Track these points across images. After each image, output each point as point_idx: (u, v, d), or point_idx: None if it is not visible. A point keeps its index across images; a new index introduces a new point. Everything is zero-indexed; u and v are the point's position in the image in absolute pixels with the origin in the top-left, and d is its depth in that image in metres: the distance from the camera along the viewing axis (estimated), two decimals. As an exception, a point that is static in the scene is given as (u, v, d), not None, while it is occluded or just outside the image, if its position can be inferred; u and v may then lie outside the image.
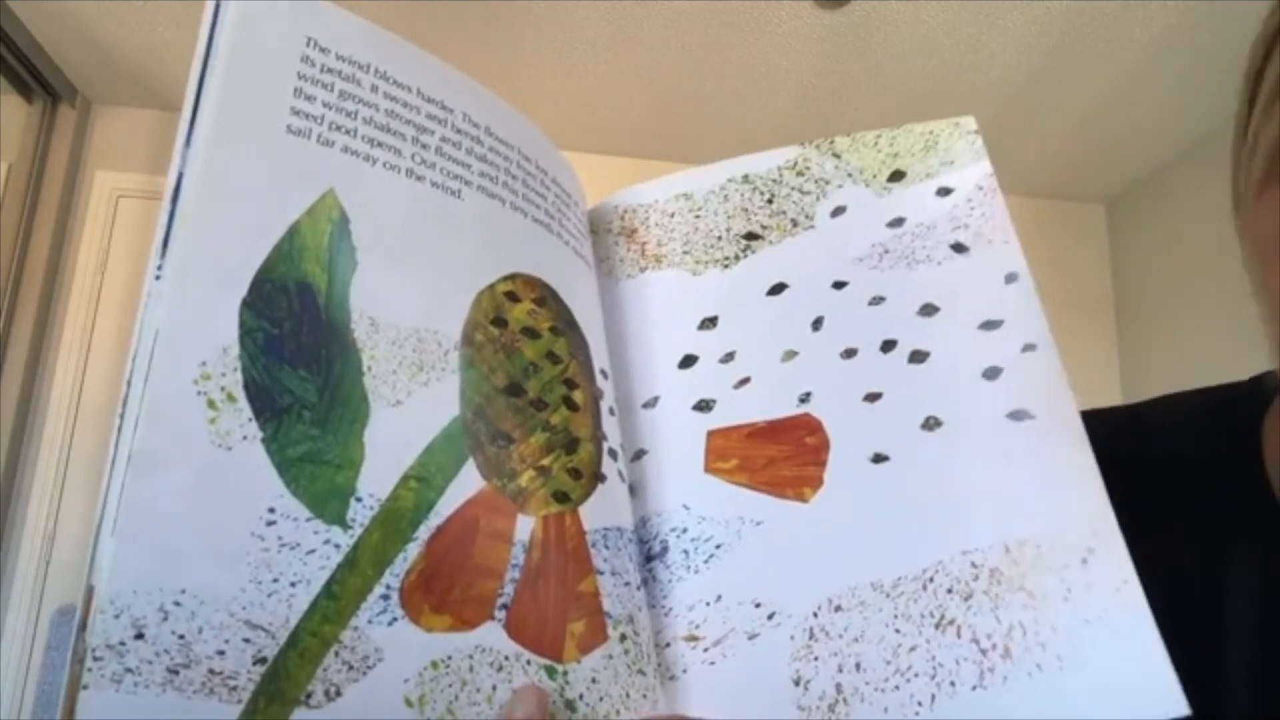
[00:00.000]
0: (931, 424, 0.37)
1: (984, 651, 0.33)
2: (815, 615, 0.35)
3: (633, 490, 0.37)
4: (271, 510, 0.27)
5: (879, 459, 0.37)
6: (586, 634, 0.32)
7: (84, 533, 2.47)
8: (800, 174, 0.42)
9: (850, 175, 0.42)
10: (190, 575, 0.25)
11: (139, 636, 0.24)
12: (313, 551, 0.27)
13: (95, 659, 0.24)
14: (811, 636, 0.34)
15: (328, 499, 0.28)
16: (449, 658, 0.29)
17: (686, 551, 0.36)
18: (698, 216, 0.42)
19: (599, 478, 0.35)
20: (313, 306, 0.29)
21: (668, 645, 0.35)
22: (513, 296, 0.34)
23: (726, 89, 2.32)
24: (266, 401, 0.27)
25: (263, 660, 0.26)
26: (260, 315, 0.28)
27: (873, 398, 0.38)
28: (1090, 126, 2.25)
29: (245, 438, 0.27)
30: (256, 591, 0.26)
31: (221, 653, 0.25)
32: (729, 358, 0.39)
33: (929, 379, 0.38)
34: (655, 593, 0.36)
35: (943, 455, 0.36)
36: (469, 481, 0.31)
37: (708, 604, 0.35)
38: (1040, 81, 2.20)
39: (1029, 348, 0.37)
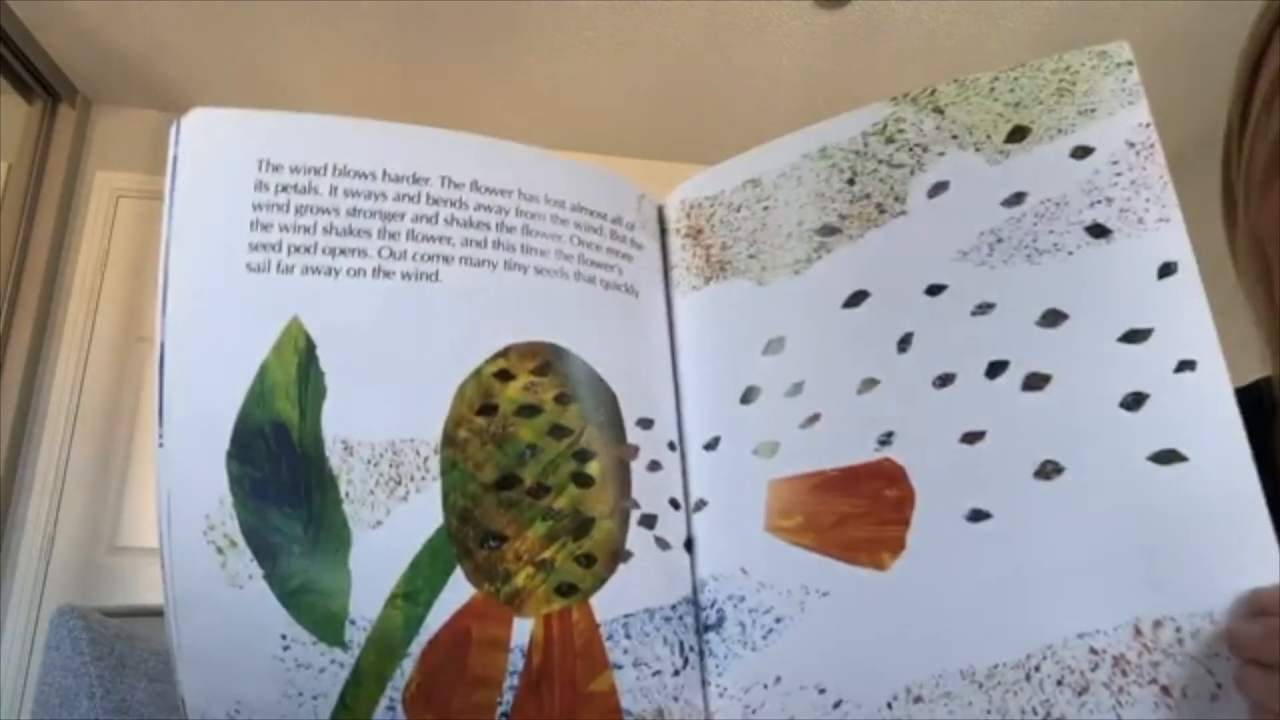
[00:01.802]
0: (1049, 470, 0.29)
1: None
2: (890, 707, 0.30)
3: (690, 547, 0.34)
4: (284, 636, 0.30)
5: (977, 516, 0.30)
6: None
7: (84, 533, 2.49)
8: (890, 140, 0.34)
9: (955, 137, 0.33)
10: (240, 689, 0.29)
11: None
12: (323, 670, 0.30)
13: None
14: None
15: (326, 624, 0.30)
16: None
17: (743, 624, 0.32)
18: (766, 209, 0.35)
19: (621, 557, 0.32)
20: (287, 443, 0.30)
21: None
22: (504, 375, 0.32)
23: (726, 89, 2.24)
24: (262, 542, 0.30)
25: None
26: (244, 462, 0.30)
27: (972, 437, 0.30)
28: None
29: (251, 576, 0.30)
30: (289, 704, 0.29)
31: None
32: (796, 389, 0.33)
33: (1048, 411, 0.30)
34: (709, 669, 0.33)
35: (1060, 511, 0.29)
36: (457, 592, 0.31)
37: (765, 687, 0.31)
38: None
39: (1185, 366, 0.29)
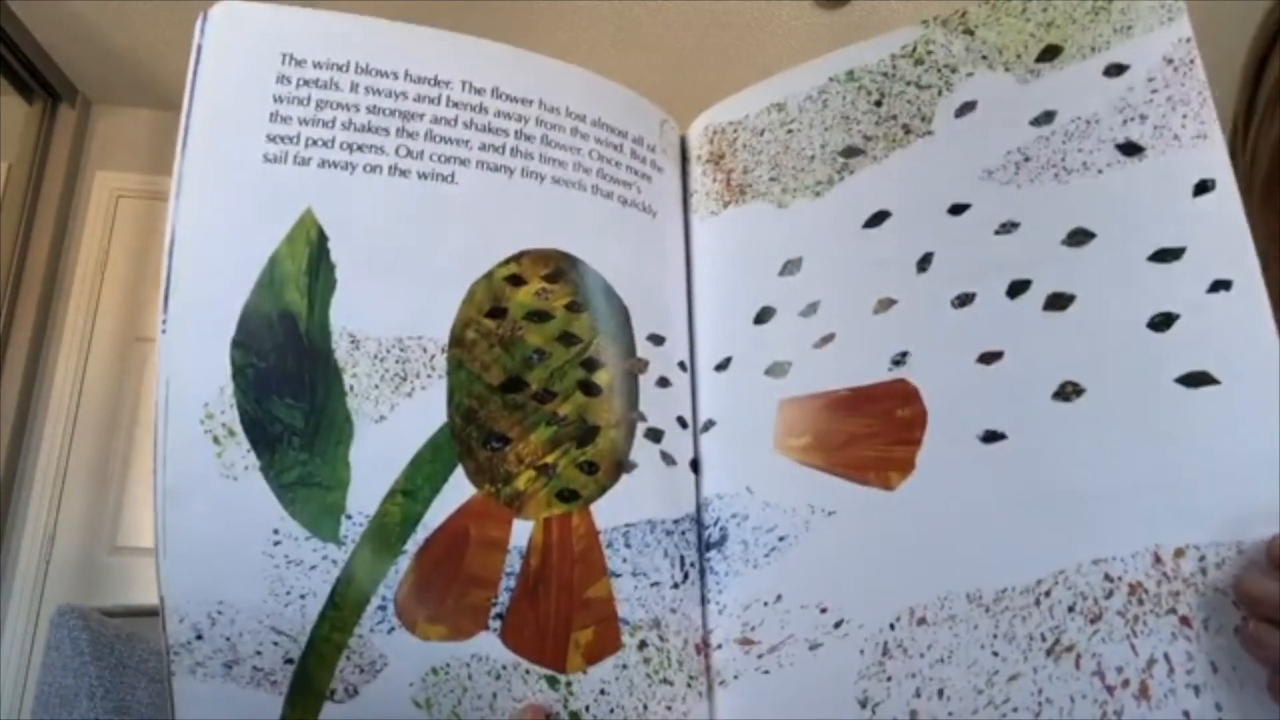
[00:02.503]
0: (1068, 391, 0.29)
1: (1110, 689, 0.26)
2: (892, 628, 0.29)
3: (697, 467, 0.33)
4: (276, 531, 0.29)
5: (991, 437, 0.29)
6: (595, 642, 0.30)
7: (84, 533, 2.48)
8: (919, 62, 0.33)
9: (985, 58, 0.32)
10: (224, 589, 0.29)
11: (199, 638, 0.29)
12: (314, 567, 0.29)
13: (174, 654, 0.28)
14: (885, 652, 0.29)
15: (321, 519, 0.29)
16: (447, 665, 0.29)
17: (746, 542, 0.32)
18: (790, 132, 0.35)
19: (625, 467, 0.32)
20: (294, 334, 0.30)
21: (719, 646, 0.31)
22: (516, 280, 0.32)
23: (726, 89, 2.23)
24: (260, 433, 0.29)
25: (291, 661, 0.29)
26: (249, 351, 0.30)
27: (990, 358, 0.30)
28: None
29: (247, 468, 0.29)
30: (275, 603, 0.29)
31: (259, 653, 0.29)
32: (811, 309, 0.33)
33: (1070, 331, 0.29)
34: (710, 586, 0.32)
35: (1079, 433, 0.28)
36: (457, 491, 0.30)
37: (766, 604, 0.31)
38: None
39: (1220, 285, 0.28)
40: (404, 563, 0.29)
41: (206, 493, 0.29)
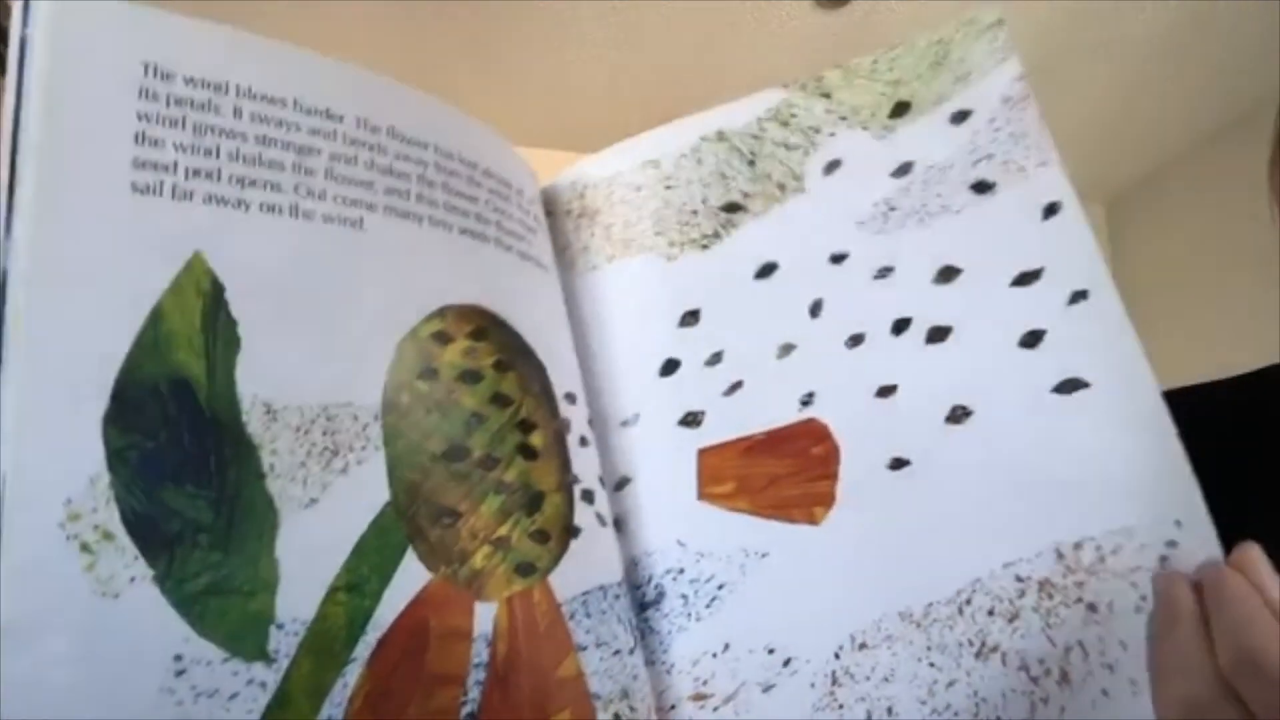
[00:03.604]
0: (959, 415, 0.31)
1: (1035, 680, 0.29)
2: (837, 657, 0.30)
3: (618, 526, 0.32)
4: (179, 658, 0.23)
5: (898, 464, 0.31)
6: None
7: None
8: (784, 124, 0.35)
9: (844, 119, 0.35)
10: None
11: None
12: (235, 696, 0.23)
13: None
14: (835, 682, 0.30)
15: (243, 633, 0.24)
16: None
17: (685, 596, 0.31)
18: (669, 188, 0.36)
19: (571, 532, 0.30)
20: (192, 405, 0.24)
21: (672, 708, 0.31)
22: (442, 337, 0.29)
23: (726, 89, 2.23)
24: (152, 532, 0.23)
25: None
26: (130, 429, 0.23)
27: (886, 391, 0.32)
28: (1090, 126, 2.18)
29: (133, 579, 0.22)
30: None
31: None
32: (716, 359, 0.34)
33: (951, 360, 0.31)
34: (654, 646, 0.31)
35: (974, 451, 0.30)
36: (412, 578, 0.26)
37: (714, 656, 0.31)
38: (1040, 81, 2.21)
39: (1078, 297, 0.31)
40: (353, 672, 0.24)
41: (70, 622, 0.21)
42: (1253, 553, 0.26)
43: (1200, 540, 0.29)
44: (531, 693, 0.27)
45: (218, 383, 0.25)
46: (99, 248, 0.24)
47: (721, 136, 0.36)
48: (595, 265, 0.36)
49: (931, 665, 0.30)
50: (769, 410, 0.33)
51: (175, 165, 0.25)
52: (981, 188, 0.33)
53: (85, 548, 0.22)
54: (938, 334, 0.32)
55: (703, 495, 0.32)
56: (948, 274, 0.33)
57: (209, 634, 0.23)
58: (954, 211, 0.33)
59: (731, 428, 0.33)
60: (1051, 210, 0.32)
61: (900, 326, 0.33)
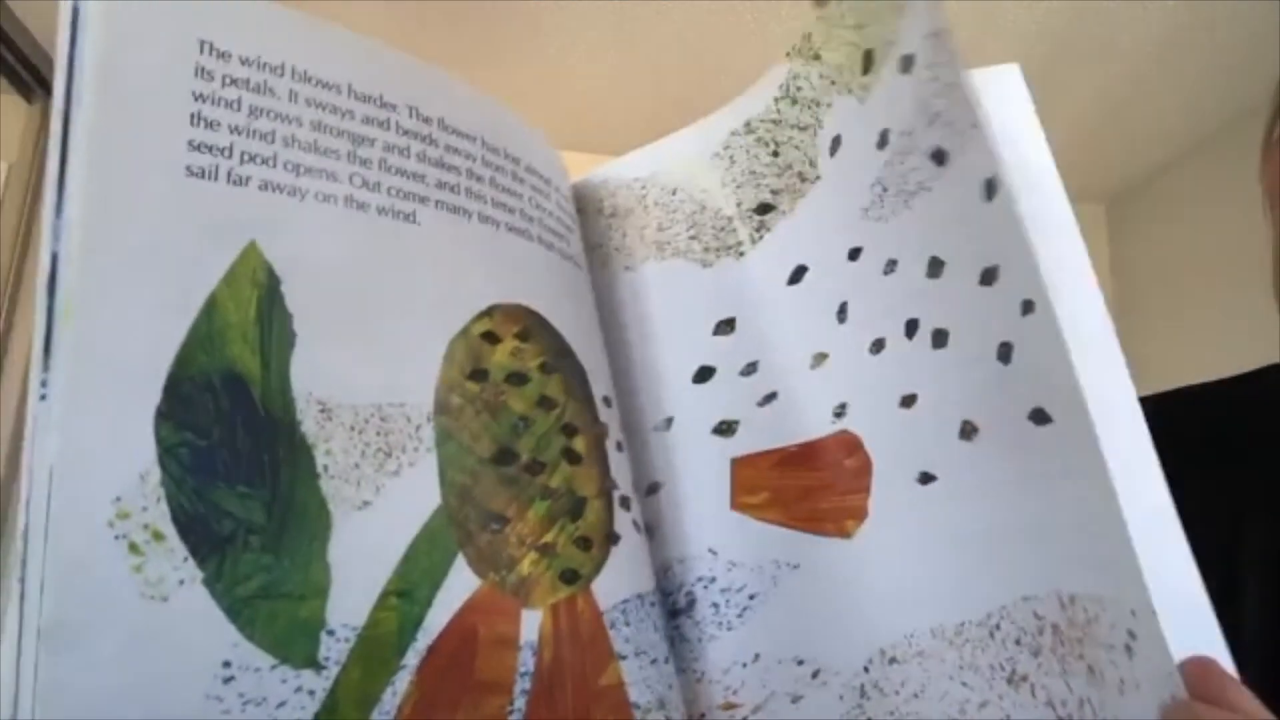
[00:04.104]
0: (968, 431, 0.28)
1: (1062, 718, 0.27)
2: (866, 670, 0.30)
3: (649, 531, 0.32)
4: (227, 664, 0.22)
5: (926, 479, 0.30)
6: None
7: None
8: (795, 101, 0.33)
9: (834, 83, 0.31)
10: None
11: None
12: (283, 704, 0.22)
13: None
14: (863, 695, 0.30)
15: (293, 639, 0.23)
16: None
17: (717, 605, 0.31)
18: (704, 191, 0.34)
19: (612, 539, 0.29)
20: (246, 402, 0.23)
21: (702, 716, 0.30)
22: (491, 337, 0.28)
23: (726, 89, 2.18)
24: (203, 533, 0.22)
25: None
26: (182, 425, 0.22)
27: (908, 401, 0.30)
28: (1090, 126, 2.17)
29: (182, 582, 0.22)
30: None
31: None
32: (751, 369, 0.33)
33: (954, 368, 0.28)
34: (684, 655, 0.31)
35: (983, 473, 0.28)
36: (462, 584, 0.26)
37: (744, 665, 0.30)
38: (1040, 81, 2.17)
39: (1027, 308, 0.25)
40: (403, 680, 0.24)
41: (116, 624, 0.21)
42: (1211, 669, 0.24)
43: (1152, 642, 0.24)
44: (575, 701, 0.27)
45: (273, 379, 0.24)
46: (152, 232, 0.23)
47: (749, 128, 0.34)
48: (629, 266, 0.35)
49: (964, 685, 0.29)
50: (803, 422, 0.32)
51: (231, 149, 0.24)
52: (939, 157, 0.27)
53: (134, 548, 0.21)
54: (940, 338, 0.29)
55: (736, 505, 0.32)
56: (935, 266, 0.28)
57: (258, 639, 0.22)
58: (926, 189, 0.28)
59: (765, 439, 0.32)
60: (991, 189, 0.26)
61: (911, 328, 0.30)
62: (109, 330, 0.22)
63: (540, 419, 0.29)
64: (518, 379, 0.28)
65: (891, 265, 0.30)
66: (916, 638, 0.30)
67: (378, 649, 0.24)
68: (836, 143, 0.32)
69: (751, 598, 0.31)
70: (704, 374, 0.33)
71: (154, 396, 0.22)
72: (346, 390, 0.25)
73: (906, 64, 0.28)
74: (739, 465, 0.32)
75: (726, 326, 0.34)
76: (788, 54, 0.33)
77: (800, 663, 0.30)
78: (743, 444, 0.32)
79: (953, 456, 0.29)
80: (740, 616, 0.31)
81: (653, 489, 0.33)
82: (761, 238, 0.34)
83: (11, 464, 2.40)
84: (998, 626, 0.28)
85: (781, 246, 0.33)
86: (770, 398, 0.33)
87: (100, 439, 0.21)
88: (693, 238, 0.35)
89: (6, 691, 0.20)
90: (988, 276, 0.27)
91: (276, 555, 0.23)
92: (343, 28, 0.28)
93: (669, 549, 0.32)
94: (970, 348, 0.28)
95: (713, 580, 0.31)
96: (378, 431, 0.25)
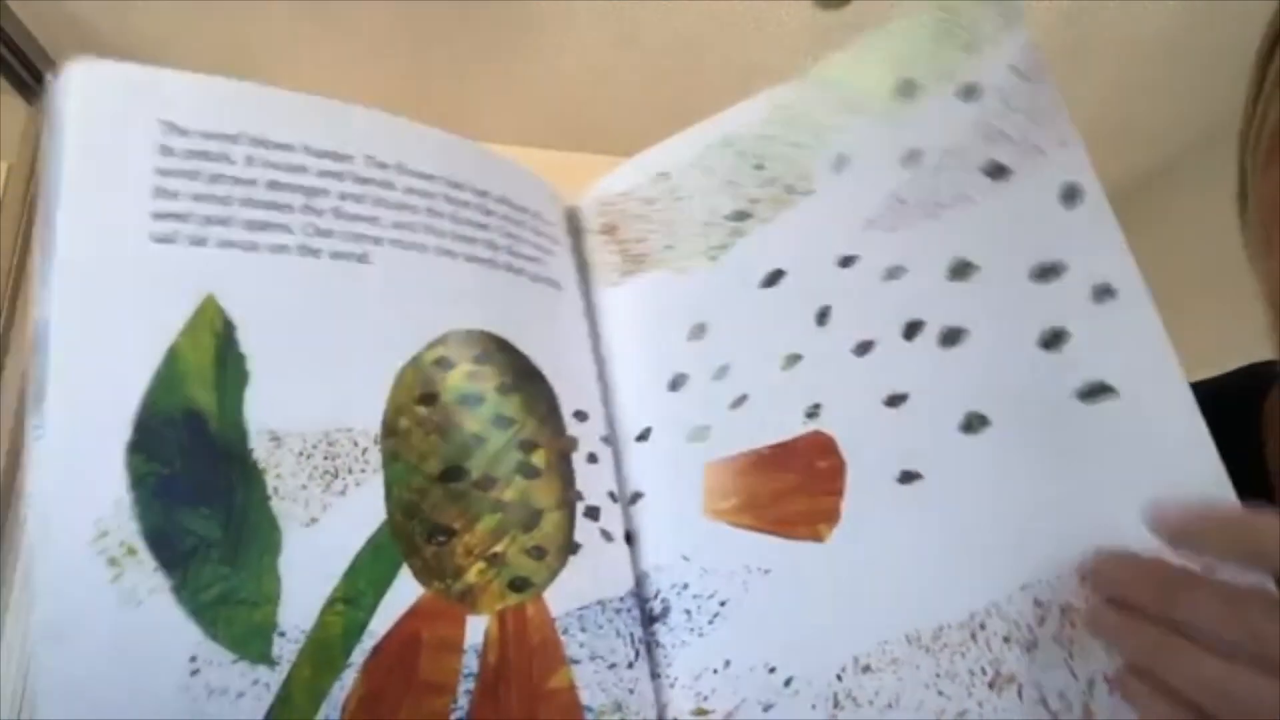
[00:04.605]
0: (974, 423, 0.29)
1: (1055, 715, 0.27)
2: (839, 679, 0.29)
3: (630, 540, 0.33)
4: (194, 659, 0.25)
5: (908, 478, 0.30)
6: None
7: None
8: (791, 122, 0.34)
9: (850, 106, 0.33)
10: None
11: None
12: (242, 695, 0.26)
13: None
14: (836, 704, 0.29)
15: (249, 639, 0.26)
16: None
17: (689, 611, 0.32)
18: (678, 199, 0.35)
19: (570, 549, 0.31)
20: (203, 435, 0.27)
21: None
22: (444, 363, 0.30)
23: (726, 89, 2.22)
24: (170, 548, 0.26)
25: None
26: (150, 457, 0.26)
27: (896, 400, 0.30)
28: (1092, 125, 2.11)
29: (153, 590, 0.25)
30: None
31: None
32: (722, 373, 0.33)
33: (967, 364, 0.29)
34: (659, 660, 0.32)
35: (991, 462, 0.29)
36: (405, 592, 0.28)
37: (715, 672, 0.31)
38: None
39: (1104, 294, 0.28)
40: (350, 677, 0.27)
41: (99, 626, 0.24)
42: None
43: None
44: (519, 703, 0.28)
45: (227, 413, 0.27)
46: (124, 294, 0.27)
47: (728, 142, 0.35)
48: (613, 282, 0.36)
49: (940, 693, 0.28)
50: (775, 423, 0.32)
51: (190, 214, 0.28)
52: (996, 172, 0.30)
53: (112, 561, 0.25)
54: (951, 336, 0.30)
55: (708, 510, 0.32)
56: (962, 270, 0.30)
57: (220, 639, 0.25)
58: (968, 200, 0.30)
59: (738, 442, 0.33)
60: (1072, 195, 0.29)
61: (912, 330, 0.31)
62: (88, 381, 0.26)
63: (495, 436, 0.31)
64: (473, 400, 0.31)
65: (895, 272, 0.31)
66: (891, 645, 0.29)
67: (325, 649, 0.26)
68: (842, 160, 0.33)
69: (722, 604, 0.31)
70: (677, 381, 0.34)
71: (125, 433, 0.26)
72: (295, 420, 0.28)
73: (969, 93, 0.31)
74: (710, 470, 0.33)
75: (699, 331, 0.34)
76: (787, 79, 0.34)
77: (771, 670, 0.30)
78: (715, 449, 0.33)
79: (947, 451, 0.29)
80: (711, 623, 0.31)
81: (634, 498, 0.34)
82: (735, 243, 0.34)
83: (11, 464, 2.66)
84: (982, 626, 0.28)
85: (757, 251, 0.34)
86: (741, 400, 0.33)
87: (83, 471, 0.25)
88: (668, 248, 0.35)
89: (11, 682, 0.24)
90: (1047, 273, 0.29)
91: (233, 567, 0.26)
92: (298, 92, 0.31)
93: (647, 557, 0.33)
94: (998, 341, 0.29)
95: (685, 587, 0.32)
96: (325, 455, 0.28)
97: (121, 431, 0.26)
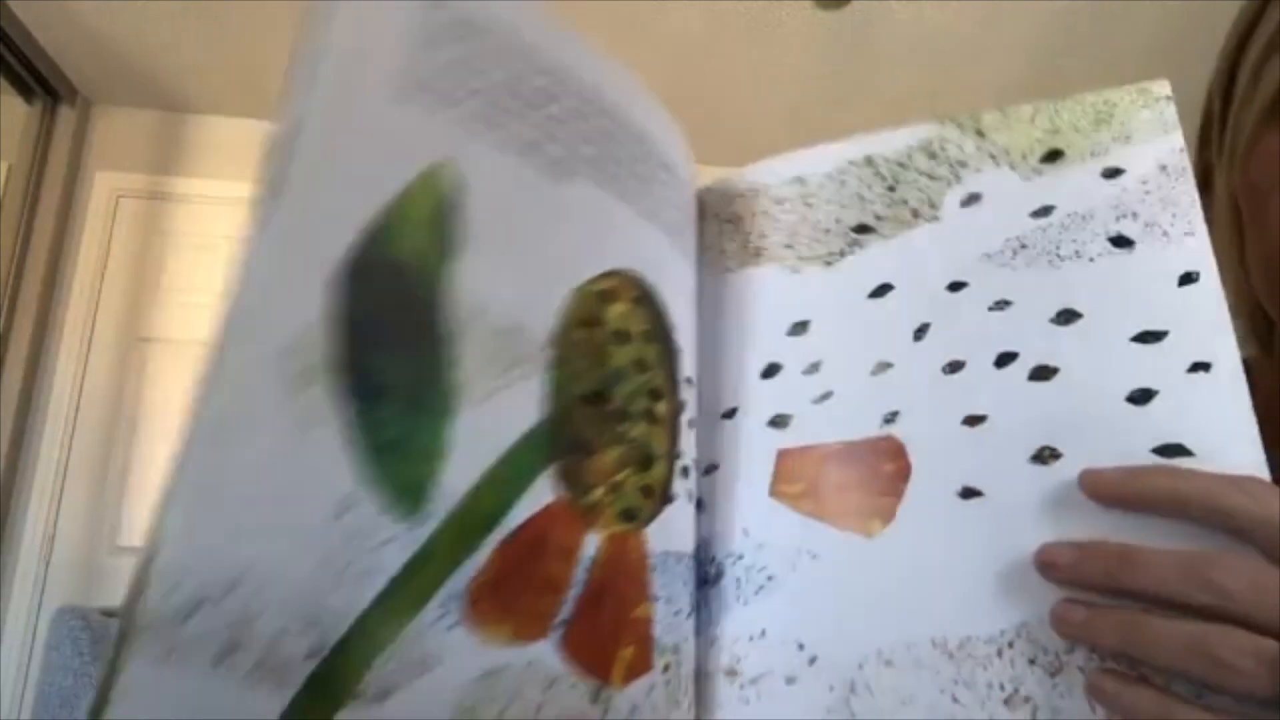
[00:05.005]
0: (1046, 455, 0.31)
1: None
2: (860, 667, 0.31)
3: (700, 506, 0.35)
4: (346, 496, 0.25)
5: (969, 494, 0.31)
6: (635, 661, 0.30)
7: (84, 533, 2.53)
8: (932, 156, 0.36)
9: (993, 156, 0.35)
10: (257, 554, 0.24)
11: (192, 614, 0.23)
12: (385, 543, 0.26)
13: (144, 633, 0.22)
14: (853, 690, 0.31)
15: (406, 490, 0.26)
16: (502, 670, 0.27)
17: (739, 580, 0.34)
18: (808, 205, 0.38)
19: (667, 498, 0.33)
20: (408, 287, 0.27)
21: (708, 676, 0.33)
22: (608, 296, 0.32)
23: (726, 89, 2.29)
24: (357, 382, 0.26)
25: (318, 652, 0.24)
26: (353, 294, 0.26)
27: (974, 420, 0.32)
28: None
29: (324, 421, 0.25)
30: (323, 576, 0.24)
31: (277, 639, 0.24)
32: (814, 368, 0.36)
33: (1052, 400, 0.31)
34: (704, 620, 0.34)
35: (1053, 493, 0.30)
36: (543, 491, 0.29)
37: (751, 639, 0.33)
38: (1040, 81, 2.22)
39: (1200, 367, 0.30)
40: (482, 556, 0.27)
41: (266, 438, 0.24)
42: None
43: None
44: (611, 622, 0.30)
45: (436, 273, 0.28)
46: (366, 135, 0.27)
47: (869, 162, 0.37)
48: (731, 268, 0.39)
49: (954, 700, 0.30)
50: (852, 423, 0.34)
51: (438, 84, 0.29)
52: (1120, 242, 0.32)
53: (293, 381, 0.25)
54: (1043, 372, 0.32)
55: (774, 492, 0.35)
56: (1067, 316, 0.32)
57: (376, 483, 0.26)
58: (1087, 259, 0.33)
59: (815, 433, 0.35)
60: (1188, 279, 0.31)
61: (1005, 360, 0.32)
62: (316, 201, 0.26)
63: (633, 376, 0.32)
64: (621, 337, 0.32)
65: (1001, 304, 0.33)
66: (916, 646, 0.31)
67: (469, 523, 0.27)
68: (973, 198, 0.35)
69: (770, 579, 0.34)
70: (771, 370, 0.36)
71: (332, 265, 0.26)
72: (490, 300, 0.29)
73: (1113, 174, 0.33)
74: (784, 455, 0.35)
75: (800, 328, 0.37)
76: (940, 120, 0.36)
77: (801, 647, 0.33)
78: (792, 436, 0.35)
79: (1013, 476, 0.31)
80: (756, 594, 0.34)
81: (710, 469, 0.36)
82: (853, 252, 0.36)
83: (11, 464, 2.43)
84: (1010, 644, 0.30)
85: (872, 264, 0.36)
86: (825, 396, 0.35)
87: (288, 287, 0.25)
88: (787, 246, 0.38)
89: (173, 475, 0.23)
90: (1149, 338, 0.31)
91: (409, 417, 0.26)
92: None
93: (713, 525, 0.35)
94: (1086, 387, 0.31)
95: (740, 558, 0.34)
96: (506, 342, 0.29)
97: (330, 261, 0.26)
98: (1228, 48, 0.42)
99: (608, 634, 0.30)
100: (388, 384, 0.26)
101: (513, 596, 0.28)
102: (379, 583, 0.25)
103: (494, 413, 0.28)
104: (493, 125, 0.30)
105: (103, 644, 0.93)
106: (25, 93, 2.45)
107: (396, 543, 0.26)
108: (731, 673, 0.33)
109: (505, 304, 0.29)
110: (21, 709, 2.38)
